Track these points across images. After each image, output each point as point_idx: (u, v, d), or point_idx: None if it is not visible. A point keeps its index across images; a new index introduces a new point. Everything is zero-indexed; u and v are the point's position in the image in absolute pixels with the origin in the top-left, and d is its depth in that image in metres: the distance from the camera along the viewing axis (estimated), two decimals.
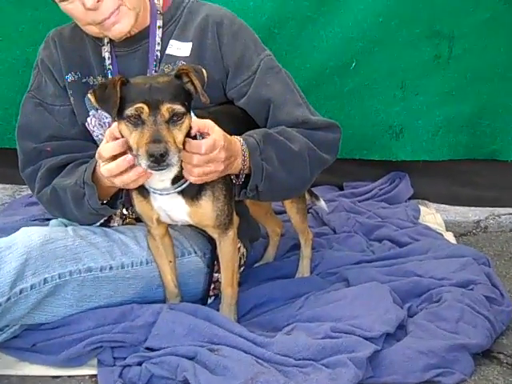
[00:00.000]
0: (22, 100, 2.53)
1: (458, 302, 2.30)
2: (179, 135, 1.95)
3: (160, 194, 2.14)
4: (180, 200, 2.15)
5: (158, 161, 1.87)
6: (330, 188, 3.62)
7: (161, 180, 2.10)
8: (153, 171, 1.95)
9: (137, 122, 1.92)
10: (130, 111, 1.91)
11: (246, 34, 2.45)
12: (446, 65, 3.44)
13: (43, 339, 2.23)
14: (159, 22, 2.42)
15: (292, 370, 2.01)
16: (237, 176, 2.21)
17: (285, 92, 2.40)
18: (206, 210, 2.18)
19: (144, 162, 1.89)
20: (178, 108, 1.93)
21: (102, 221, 2.47)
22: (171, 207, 2.18)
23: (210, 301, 2.51)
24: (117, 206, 2.31)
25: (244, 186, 2.24)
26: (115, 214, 2.52)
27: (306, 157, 2.31)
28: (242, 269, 2.65)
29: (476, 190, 3.61)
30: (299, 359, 2.04)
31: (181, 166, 2.05)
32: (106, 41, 2.41)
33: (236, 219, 2.31)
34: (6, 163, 3.87)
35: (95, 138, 2.49)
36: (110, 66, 2.41)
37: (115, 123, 2.02)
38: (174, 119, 1.93)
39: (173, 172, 2.07)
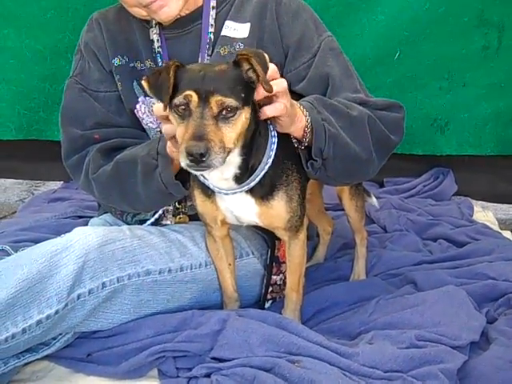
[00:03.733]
0: (65, 85, 2.36)
1: None
2: (229, 133, 1.73)
3: (226, 194, 1.96)
4: (249, 200, 1.98)
5: (197, 161, 1.66)
6: (370, 184, 3.46)
7: (223, 179, 1.92)
8: (191, 171, 1.76)
9: (184, 113, 1.72)
10: (178, 99, 1.72)
11: (306, 13, 2.29)
12: (495, 56, 3.31)
13: (99, 348, 2.06)
14: (213, 2, 2.26)
15: None
16: (299, 142, 2.01)
17: (344, 75, 2.24)
18: (278, 211, 2.01)
19: (183, 161, 1.69)
20: (230, 102, 1.71)
21: (153, 219, 2.30)
22: (239, 208, 2.01)
23: (267, 305, 2.35)
24: (187, 187, 2.10)
25: (309, 159, 2.03)
26: (167, 211, 2.34)
27: (366, 125, 2.10)
28: None
29: None
30: (387, 371, 1.89)
31: (241, 163, 1.88)
32: (153, 22, 2.25)
33: (306, 221, 2.15)
34: (22, 157, 3.69)
35: (145, 126, 2.32)
36: (160, 49, 2.25)
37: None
38: (225, 115, 1.71)
39: (232, 171, 1.90)
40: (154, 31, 2.26)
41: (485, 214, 3.21)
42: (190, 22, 2.26)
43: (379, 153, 2.17)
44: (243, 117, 1.75)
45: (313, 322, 2.27)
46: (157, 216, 2.30)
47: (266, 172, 1.94)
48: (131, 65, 2.29)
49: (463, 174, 3.48)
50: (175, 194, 2.10)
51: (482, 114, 3.40)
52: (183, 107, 1.72)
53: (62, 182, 3.60)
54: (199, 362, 2.00)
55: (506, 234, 2.95)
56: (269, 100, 1.83)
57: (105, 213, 2.54)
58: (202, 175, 1.97)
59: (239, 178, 1.92)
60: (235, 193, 1.95)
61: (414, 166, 3.53)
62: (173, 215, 2.35)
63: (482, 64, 3.33)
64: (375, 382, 1.86)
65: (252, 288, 2.35)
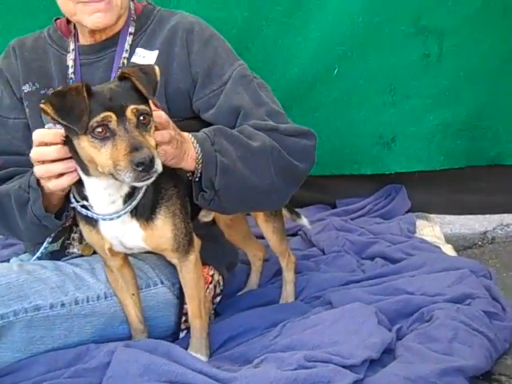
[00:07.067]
0: None
1: (451, 319, 2.06)
2: (151, 140, 1.75)
3: (111, 219, 1.92)
4: (134, 224, 1.94)
5: (148, 168, 1.67)
6: (322, 207, 3.37)
7: (111, 202, 1.89)
8: (139, 184, 1.75)
9: (105, 135, 1.70)
10: (95, 122, 1.69)
11: (218, 43, 2.29)
12: (437, 63, 3.20)
13: None
14: (131, 29, 2.29)
15: None
16: (192, 172, 2.00)
17: (254, 103, 2.21)
18: (163, 231, 1.96)
19: (130, 175, 1.67)
20: (143, 108, 1.74)
21: (46, 245, 2.24)
22: (124, 233, 1.96)
23: (182, 335, 2.28)
24: (62, 219, 2.08)
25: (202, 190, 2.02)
26: (73, 239, 2.30)
27: (269, 155, 2.08)
28: (218, 298, 2.44)
29: (480, 197, 3.33)
30: None
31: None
32: (71, 48, 2.29)
33: (197, 242, 2.09)
34: None
35: None
36: (73, 75, 2.27)
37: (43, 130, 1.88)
38: (143, 122, 1.74)
39: (125, 189, 1.88)
40: (71, 56, 2.29)
41: (432, 229, 3.08)
42: (106, 48, 2.27)
43: (286, 181, 2.17)
44: (153, 125, 1.78)
45: (223, 350, 2.18)
46: (46, 245, 2.24)
47: (146, 190, 1.91)
48: (42, 92, 2.29)
49: (416, 189, 3.35)
50: (49, 226, 2.07)
51: (428, 126, 3.26)
52: (100, 129, 1.71)
53: None
54: None
55: (447, 248, 2.82)
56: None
57: (25, 252, 2.52)
58: (84, 206, 1.93)
59: (128, 197, 1.90)
60: (120, 216, 1.91)
61: (366, 184, 3.40)
62: (79, 242, 2.31)
63: (424, 73, 3.21)
64: None
65: (165, 319, 2.27)
